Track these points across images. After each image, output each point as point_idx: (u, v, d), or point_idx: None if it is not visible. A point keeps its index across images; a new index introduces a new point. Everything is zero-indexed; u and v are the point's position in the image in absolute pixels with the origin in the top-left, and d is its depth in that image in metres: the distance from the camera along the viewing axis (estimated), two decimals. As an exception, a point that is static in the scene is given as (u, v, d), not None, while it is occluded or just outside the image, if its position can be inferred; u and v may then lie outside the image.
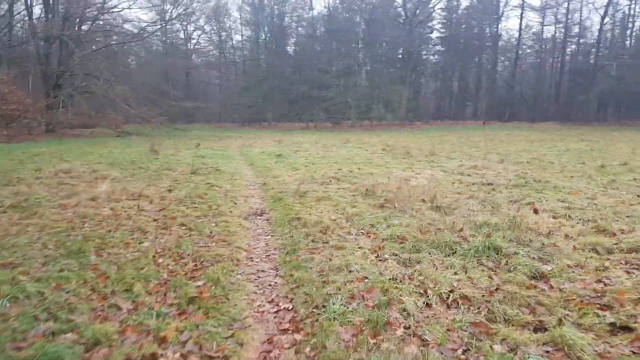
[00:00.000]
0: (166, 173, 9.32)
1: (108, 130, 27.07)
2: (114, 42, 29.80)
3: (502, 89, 50.39)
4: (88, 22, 29.13)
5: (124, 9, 31.95)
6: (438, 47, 54.29)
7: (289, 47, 56.87)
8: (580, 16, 44.60)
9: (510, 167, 9.60)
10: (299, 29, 55.90)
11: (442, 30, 53.75)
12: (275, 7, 53.64)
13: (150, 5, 45.20)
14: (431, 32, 53.26)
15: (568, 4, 43.54)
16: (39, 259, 3.55)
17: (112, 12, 29.87)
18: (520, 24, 49.16)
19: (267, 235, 4.65)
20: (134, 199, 6.31)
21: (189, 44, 56.20)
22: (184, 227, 4.80)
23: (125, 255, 3.80)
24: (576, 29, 45.47)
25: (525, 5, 47.51)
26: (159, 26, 44.61)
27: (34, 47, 27.22)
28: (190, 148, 16.58)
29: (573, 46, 46.29)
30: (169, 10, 49.84)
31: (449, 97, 55.49)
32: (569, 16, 44.13)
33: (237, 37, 58.12)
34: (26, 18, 28.87)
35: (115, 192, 6.68)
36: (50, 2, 27.51)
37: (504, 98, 49.31)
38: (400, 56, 48.81)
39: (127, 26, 34.71)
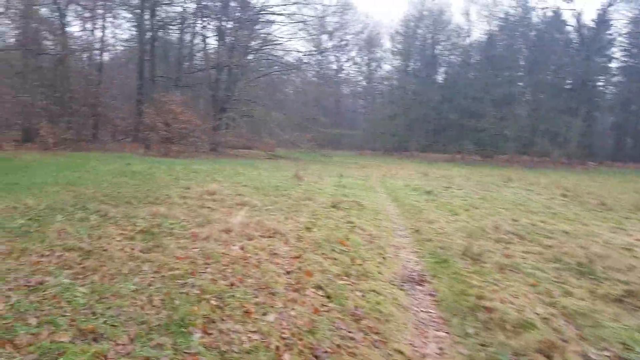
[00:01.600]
0: (306, 204, 8.47)
1: (261, 152, 28.70)
2: (273, 72, 31.87)
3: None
4: (253, 53, 31.72)
5: (284, 41, 34.23)
6: (618, 78, 45.98)
7: (438, 76, 54.84)
8: None
9: None
10: (451, 57, 53.46)
11: (624, 59, 45.41)
12: (429, 35, 52.23)
13: (308, 37, 48.03)
14: (609, 61, 45.50)
15: None
16: (131, 329, 2.65)
17: (274, 43, 32.00)
18: None
19: (439, 330, 3.10)
20: (268, 236, 5.42)
21: (340, 74, 58.12)
22: (320, 293, 3.57)
23: (240, 339, 2.68)
24: None
25: None
26: (314, 57, 46.93)
27: (206, 74, 30.59)
28: (332, 175, 16.00)
29: None
30: (325, 42, 52.54)
31: (631, 135, 46.15)
32: None
33: (386, 67, 58.14)
34: (203, 48, 32.86)
35: (250, 224, 5.91)
36: (222, 34, 30.73)
37: None
38: (569, 86, 42.47)
39: (287, 57, 37.27)
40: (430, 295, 3.78)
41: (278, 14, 30.37)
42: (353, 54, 57.61)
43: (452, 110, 43.03)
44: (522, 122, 40.19)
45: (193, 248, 4.73)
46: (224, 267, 4.12)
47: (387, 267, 4.47)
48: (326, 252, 4.84)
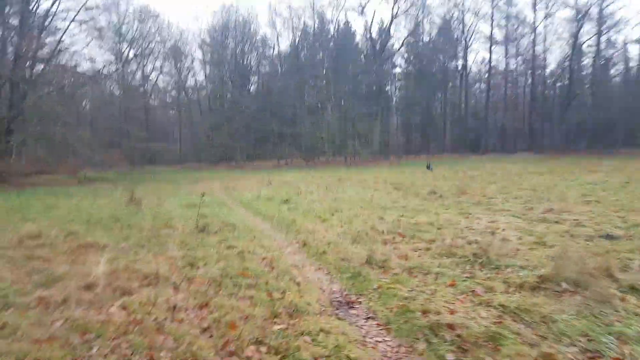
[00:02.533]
0: (167, 233, 7.31)
1: (66, 178, 24.27)
2: (69, 84, 27.38)
3: (471, 121, 51.15)
4: (41, 63, 26.65)
5: (78, 50, 29.60)
6: (401, 82, 55.12)
7: (252, 85, 56.17)
8: (544, 46, 46.46)
9: (596, 208, 8.17)
10: (261, 67, 55.38)
11: (404, 66, 54.84)
12: (238, 45, 52.80)
13: (106, 46, 42.94)
14: (394, 67, 54.24)
15: (534, 35, 45.28)
16: None
17: (66, 51, 27.54)
18: (490, 57, 50.62)
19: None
20: (150, 285, 4.37)
21: (146, 85, 53.78)
22: (264, 349, 2.94)
23: None
24: (544, 59, 47.27)
25: (489, 39, 49.14)
26: (114, 67, 42.25)
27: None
28: (171, 195, 14.53)
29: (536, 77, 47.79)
30: (125, 51, 47.92)
31: (416, 131, 55.71)
32: (533, 48, 45.85)
33: (199, 77, 56.48)
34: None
35: (116, 272, 4.69)
36: (1, 42, 25.03)
37: (473, 130, 50.01)
38: (364, 92, 48.77)
39: (85, 66, 32.52)
40: (372, 318, 3.53)
41: (68, 21, 26.21)
42: (158, 63, 53.95)
43: (271, 118, 44.49)
44: (333, 127, 44.23)
45: (54, 322, 3.44)
46: (114, 343, 3.08)
47: (308, 294, 4.05)
48: (233, 291, 4.13)
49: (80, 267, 5.04)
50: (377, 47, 49.11)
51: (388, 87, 54.08)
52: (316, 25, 51.14)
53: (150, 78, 53.89)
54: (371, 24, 49.97)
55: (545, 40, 46.25)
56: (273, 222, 8.50)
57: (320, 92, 48.97)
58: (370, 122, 45.33)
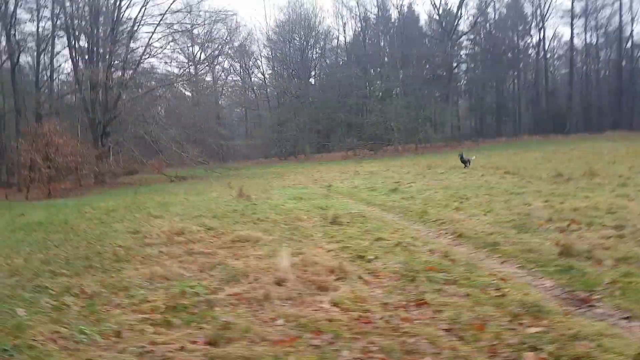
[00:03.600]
0: (299, 225, 7.24)
1: (156, 176, 25.59)
2: (159, 86, 28.77)
3: (550, 100, 47.58)
4: (132, 68, 28.23)
5: (162, 53, 30.82)
6: (468, 64, 52.43)
7: (317, 77, 56.25)
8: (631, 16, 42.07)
9: None
10: (324, 58, 55.22)
11: (472, 46, 52.04)
12: (302, 38, 52.89)
13: (185, 47, 44.62)
14: (462, 49, 51.62)
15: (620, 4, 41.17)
16: None
17: (153, 56, 28.86)
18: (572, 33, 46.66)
19: None
20: (340, 279, 4.18)
21: (216, 85, 55.47)
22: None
23: None
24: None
25: (569, 12, 45.25)
26: (193, 68, 43.84)
27: (80, 96, 26.35)
28: (271, 189, 14.68)
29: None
30: (199, 52, 49.64)
31: (489, 113, 52.87)
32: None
33: (264, 73, 57.40)
34: (69, 68, 28.33)
35: (297, 266, 4.57)
36: (94, 49, 26.83)
37: (553, 109, 46.51)
38: (432, 76, 46.88)
39: (161, 69, 33.98)
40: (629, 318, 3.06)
41: (154, 24, 27.44)
42: (227, 63, 55.41)
43: (338, 109, 44.22)
44: (402, 114, 42.94)
45: (274, 320, 3.33)
46: (360, 345, 2.86)
47: (520, 290, 3.65)
48: (434, 287, 3.83)
49: (253, 262, 5.01)
50: (444, 28, 46.94)
51: (456, 70, 51.78)
52: (379, 12, 50.08)
53: (219, 77, 55.61)
54: (437, 6, 47.70)
55: (631, 9, 41.76)
56: (397, 212, 8.17)
57: (386, 80, 47.85)
58: (440, 107, 43.66)
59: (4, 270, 5.51)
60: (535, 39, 48.76)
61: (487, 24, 49.36)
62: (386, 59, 49.63)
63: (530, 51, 50.50)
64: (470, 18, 48.38)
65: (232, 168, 27.76)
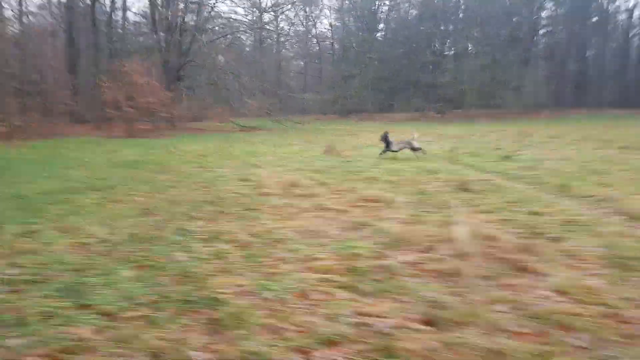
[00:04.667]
0: (423, 189, 6.61)
1: (222, 124, 25.44)
2: (233, 32, 28.27)
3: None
4: (207, 11, 27.76)
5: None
6: (548, 28, 47.56)
7: (384, 33, 53.44)
8: None
9: None
10: (392, 12, 52.16)
11: (553, 9, 46.97)
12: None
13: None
14: (543, 10, 46.77)
15: None
16: None
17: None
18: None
19: None
20: (534, 262, 3.55)
21: (279, 35, 54.20)
22: None
23: None
24: None
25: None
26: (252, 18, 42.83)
27: (156, 39, 26.40)
28: (356, 146, 14.00)
29: None
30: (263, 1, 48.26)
31: (569, 82, 48.46)
32: None
33: (326, 26, 55.36)
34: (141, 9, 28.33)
35: (473, 238, 3.97)
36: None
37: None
38: (510, 37, 43.01)
39: (236, 16, 33.26)
40: None
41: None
42: (291, 13, 53.64)
43: (406, 67, 42.06)
44: (475, 76, 40.13)
45: (486, 307, 2.78)
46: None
47: None
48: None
49: (405, 226, 4.48)
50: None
51: (536, 33, 47.27)
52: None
53: (281, 27, 54.23)
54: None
55: None
56: (527, 183, 7.27)
57: (461, 38, 44.62)
58: (518, 71, 40.36)
59: (136, 209, 5.36)
60: (628, 3, 43.28)
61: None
62: (461, 15, 46.11)
63: (619, 16, 45.09)
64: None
65: (298, 121, 27.24)
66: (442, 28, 45.95)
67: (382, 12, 52.52)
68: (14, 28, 24.39)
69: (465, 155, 11.09)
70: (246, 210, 5.35)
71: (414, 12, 49.97)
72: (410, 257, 3.70)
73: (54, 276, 3.22)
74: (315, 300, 2.88)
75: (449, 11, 45.75)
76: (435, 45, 44.70)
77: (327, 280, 3.18)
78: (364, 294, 2.98)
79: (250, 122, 26.07)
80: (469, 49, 43.21)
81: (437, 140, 15.49)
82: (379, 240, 4.11)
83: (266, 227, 4.53)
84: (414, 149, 10.66)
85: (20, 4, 26.61)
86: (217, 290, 2.97)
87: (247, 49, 45.98)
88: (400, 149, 10.74)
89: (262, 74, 28.08)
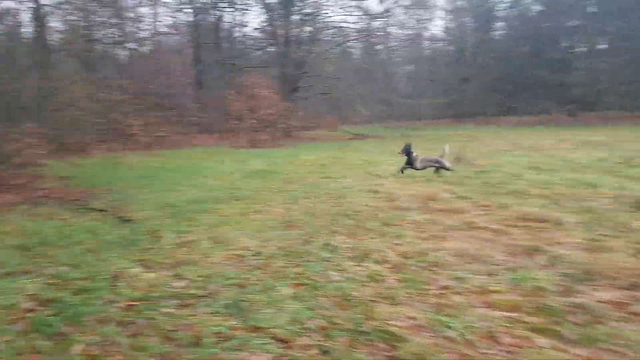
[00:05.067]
0: (587, 207, 5.62)
1: (333, 133, 25.67)
2: (348, 40, 28.61)
3: None
4: (321, 22, 28.48)
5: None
6: None
7: (502, 32, 49.58)
8: None
9: None
10: (509, 10, 48.03)
11: None
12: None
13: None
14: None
15: None
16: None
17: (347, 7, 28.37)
18: None
19: None
20: None
21: (389, 39, 53.43)
22: None
23: None
24: None
25: None
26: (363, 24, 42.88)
27: (274, 51, 27.81)
28: (488, 155, 12.92)
29: None
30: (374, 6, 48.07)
31: None
32: None
33: (436, 29, 53.18)
34: (265, 23, 29.99)
35: None
36: (289, 4, 27.73)
37: None
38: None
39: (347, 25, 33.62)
40: None
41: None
42: (402, 17, 52.51)
43: (529, 67, 38.38)
44: (621, 74, 34.87)
45: None
46: None
47: None
48: None
49: (587, 254, 3.74)
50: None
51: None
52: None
53: (391, 32, 53.48)
54: None
55: None
56: None
57: (591, 34, 39.33)
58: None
59: (277, 220, 5.38)
60: None
61: None
62: (594, 9, 40.67)
63: None
64: None
65: (410, 128, 26.43)
66: (569, 24, 41.22)
67: (499, 9, 49.05)
68: (149, 48, 27.54)
69: (621, 165, 9.47)
70: (385, 225, 5.03)
71: (537, 7, 45.74)
72: (609, 294, 3.02)
73: (219, 291, 3.22)
74: (509, 345, 2.42)
75: (577, 5, 40.84)
76: (562, 42, 40.26)
77: (515, 320, 2.68)
78: (569, 341, 2.43)
79: (362, 130, 26.01)
80: (604, 45, 37.93)
81: (580, 147, 13.63)
82: (561, 270, 3.46)
83: (416, 247, 4.14)
84: (443, 168, 8.83)
85: (154, 25, 29.89)
86: (387, 321, 2.67)
87: (357, 56, 46.27)
88: (425, 167, 8.96)
89: (373, 81, 27.78)
